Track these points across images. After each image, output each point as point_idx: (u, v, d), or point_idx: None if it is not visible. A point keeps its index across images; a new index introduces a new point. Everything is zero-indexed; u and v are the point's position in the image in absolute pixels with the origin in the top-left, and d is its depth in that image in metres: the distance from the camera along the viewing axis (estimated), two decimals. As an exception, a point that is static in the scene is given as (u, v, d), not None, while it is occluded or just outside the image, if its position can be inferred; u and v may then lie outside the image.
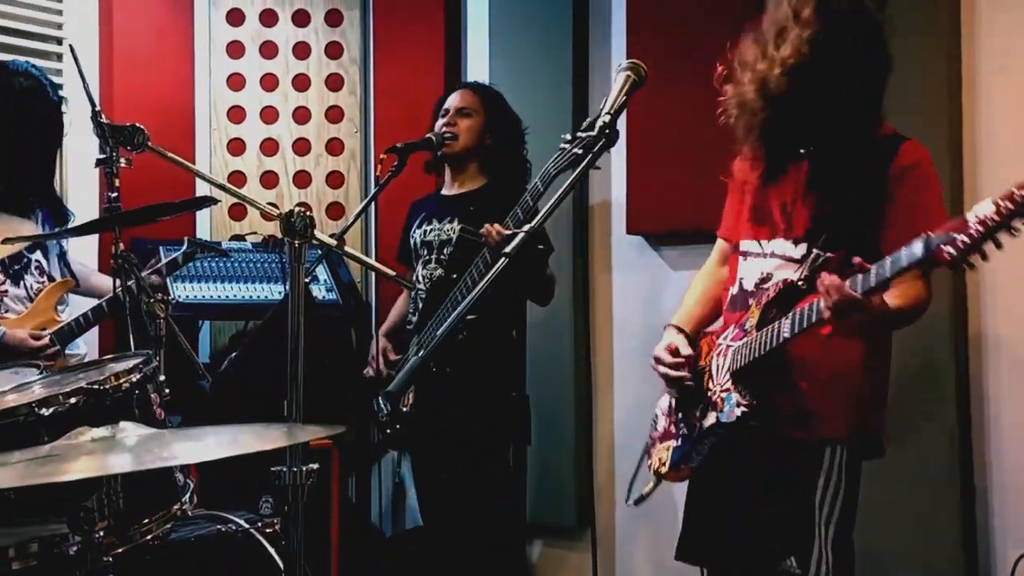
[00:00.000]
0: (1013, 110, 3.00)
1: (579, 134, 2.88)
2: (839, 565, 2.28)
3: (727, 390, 2.33)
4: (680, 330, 2.55)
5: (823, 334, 2.18)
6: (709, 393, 2.40)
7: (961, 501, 3.01)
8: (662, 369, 2.50)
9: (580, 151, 2.85)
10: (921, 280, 2.24)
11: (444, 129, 3.43)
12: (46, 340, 3.33)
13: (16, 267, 3.44)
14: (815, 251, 2.26)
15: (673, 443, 2.50)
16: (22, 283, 3.44)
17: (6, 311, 3.39)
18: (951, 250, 1.83)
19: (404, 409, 3.28)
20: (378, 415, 3.45)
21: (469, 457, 3.30)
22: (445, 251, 3.41)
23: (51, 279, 3.50)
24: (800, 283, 2.26)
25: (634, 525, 3.89)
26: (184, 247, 3.53)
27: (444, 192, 3.56)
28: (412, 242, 3.53)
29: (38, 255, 3.49)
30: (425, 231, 3.49)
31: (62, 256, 3.64)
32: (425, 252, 3.47)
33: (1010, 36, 3.01)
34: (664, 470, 2.51)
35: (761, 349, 2.25)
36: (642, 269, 3.88)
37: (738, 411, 2.27)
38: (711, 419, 2.37)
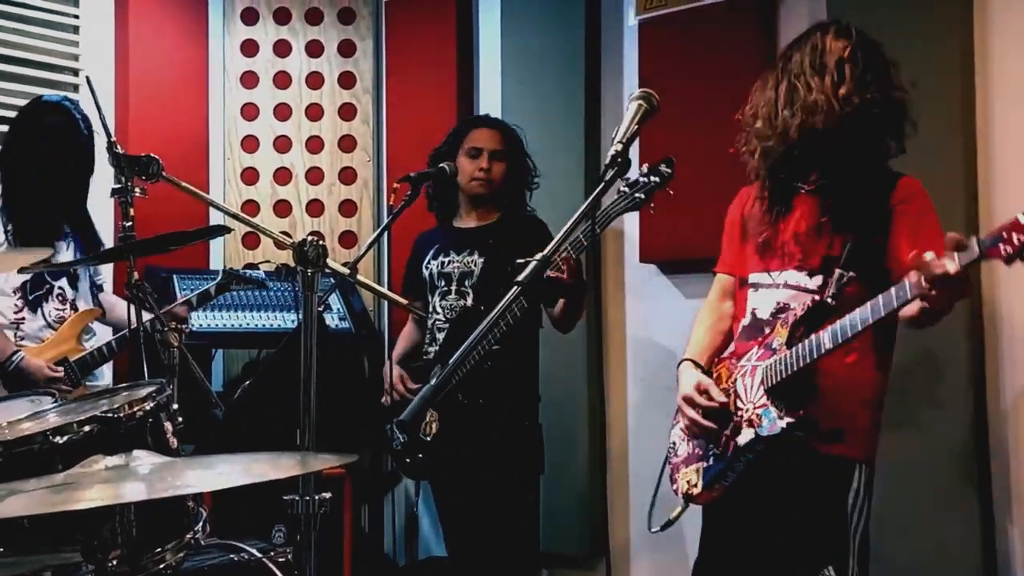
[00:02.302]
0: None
1: (640, 179, 2.93)
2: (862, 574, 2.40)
3: (763, 406, 2.37)
4: (696, 364, 2.60)
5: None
6: (740, 413, 2.43)
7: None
8: (691, 413, 2.51)
9: (643, 196, 2.95)
10: None
11: (480, 173, 3.45)
12: (60, 373, 3.34)
13: (36, 294, 3.44)
14: (839, 271, 2.34)
15: (703, 464, 2.51)
16: (39, 310, 3.45)
17: (22, 338, 3.40)
18: (1008, 248, 1.94)
19: (427, 439, 3.26)
20: (392, 443, 3.44)
21: (496, 487, 3.29)
22: (467, 283, 3.43)
23: (74, 308, 3.50)
24: (830, 300, 2.33)
25: (647, 553, 3.87)
26: (219, 278, 3.53)
27: (457, 225, 3.56)
28: (427, 273, 3.53)
29: (63, 282, 3.49)
30: (443, 263, 3.49)
31: (94, 286, 3.65)
32: (443, 284, 3.48)
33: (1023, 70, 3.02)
34: (696, 491, 2.52)
35: (799, 363, 2.31)
36: (655, 297, 3.88)
37: (781, 423, 2.31)
38: (748, 436, 2.39)
